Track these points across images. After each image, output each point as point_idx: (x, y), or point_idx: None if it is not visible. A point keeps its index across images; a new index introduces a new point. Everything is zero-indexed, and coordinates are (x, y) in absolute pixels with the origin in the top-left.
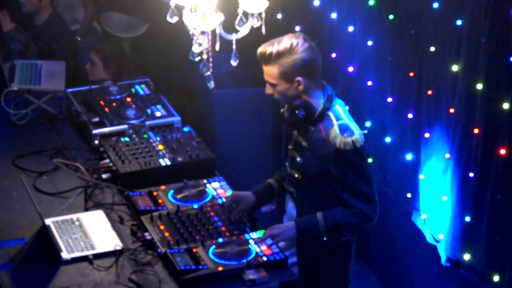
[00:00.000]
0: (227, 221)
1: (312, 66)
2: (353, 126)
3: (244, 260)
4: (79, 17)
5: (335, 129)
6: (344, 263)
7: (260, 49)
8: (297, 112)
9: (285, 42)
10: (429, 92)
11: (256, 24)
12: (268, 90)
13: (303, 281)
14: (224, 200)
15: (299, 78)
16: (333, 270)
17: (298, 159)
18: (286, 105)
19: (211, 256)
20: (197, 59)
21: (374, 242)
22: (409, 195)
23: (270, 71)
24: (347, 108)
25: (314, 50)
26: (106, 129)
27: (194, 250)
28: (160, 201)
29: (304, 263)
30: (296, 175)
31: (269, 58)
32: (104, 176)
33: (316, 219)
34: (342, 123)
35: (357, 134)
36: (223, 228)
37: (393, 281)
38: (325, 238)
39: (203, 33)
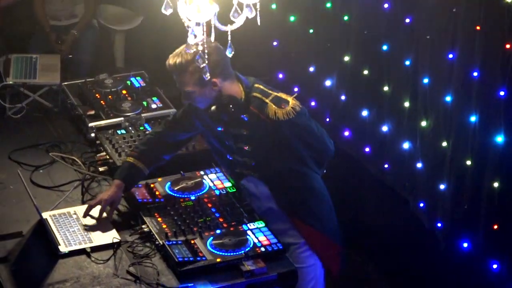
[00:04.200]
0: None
1: (223, 64)
2: (284, 95)
3: (242, 251)
4: (77, 11)
5: (271, 105)
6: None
7: (168, 62)
8: (226, 109)
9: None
10: (426, 81)
11: (251, 15)
12: (186, 99)
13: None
14: (221, 192)
15: (213, 80)
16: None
17: (246, 148)
18: (212, 108)
19: (209, 248)
20: (192, 50)
21: (372, 229)
22: (406, 183)
23: (184, 80)
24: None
25: (219, 48)
26: (102, 122)
27: (192, 241)
28: (157, 193)
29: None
30: (251, 161)
31: (180, 68)
32: (100, 169)
33: None
34: (273, 97)
35: (291, 100)
36: (221, 219)
37: (391, 268)
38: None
39: (198, 24)
